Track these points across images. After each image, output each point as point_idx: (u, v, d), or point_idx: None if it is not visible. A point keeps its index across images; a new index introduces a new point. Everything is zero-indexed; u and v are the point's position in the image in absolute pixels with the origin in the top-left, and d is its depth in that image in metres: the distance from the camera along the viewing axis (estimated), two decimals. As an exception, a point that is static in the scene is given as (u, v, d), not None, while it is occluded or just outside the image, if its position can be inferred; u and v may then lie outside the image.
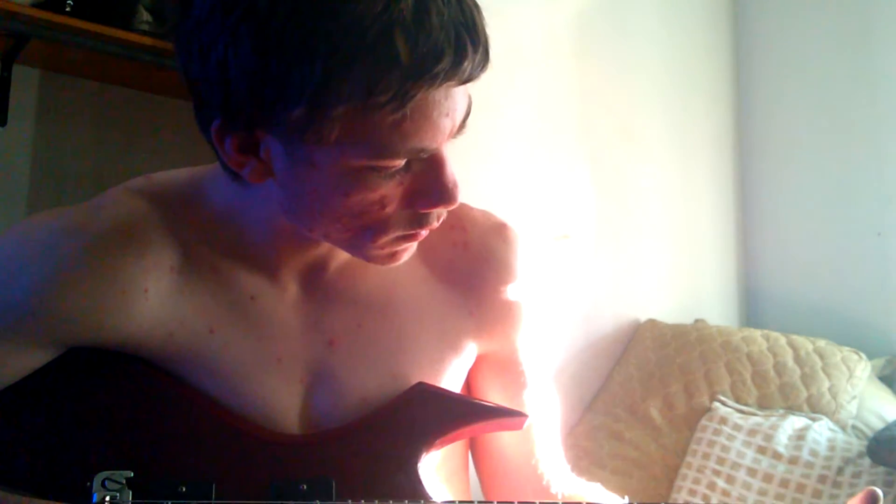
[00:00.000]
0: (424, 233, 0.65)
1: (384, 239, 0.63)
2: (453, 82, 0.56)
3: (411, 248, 0.67)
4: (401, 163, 0.59)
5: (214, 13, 0.56)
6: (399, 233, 0.63)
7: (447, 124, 0.59)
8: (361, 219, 0.61)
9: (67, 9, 1.57)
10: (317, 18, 0.53)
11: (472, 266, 0.76)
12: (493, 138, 1.87)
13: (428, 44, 0.54)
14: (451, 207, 0.63)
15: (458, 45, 0.55)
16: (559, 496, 0.81)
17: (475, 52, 0.56)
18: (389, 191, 0.60)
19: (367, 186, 0.59)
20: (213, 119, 0.60)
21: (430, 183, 0.61)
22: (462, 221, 0.76)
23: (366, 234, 0.63)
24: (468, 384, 0.81)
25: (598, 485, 0.85)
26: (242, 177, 0.63)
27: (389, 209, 0.61)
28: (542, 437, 0.82)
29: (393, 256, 0.66)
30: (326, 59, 0.53)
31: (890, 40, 2.26)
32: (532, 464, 0.81)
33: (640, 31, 2.32)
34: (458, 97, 0.59)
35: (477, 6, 0.58)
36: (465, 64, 0.56)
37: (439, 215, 0.64)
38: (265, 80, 0.55)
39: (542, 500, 0.81)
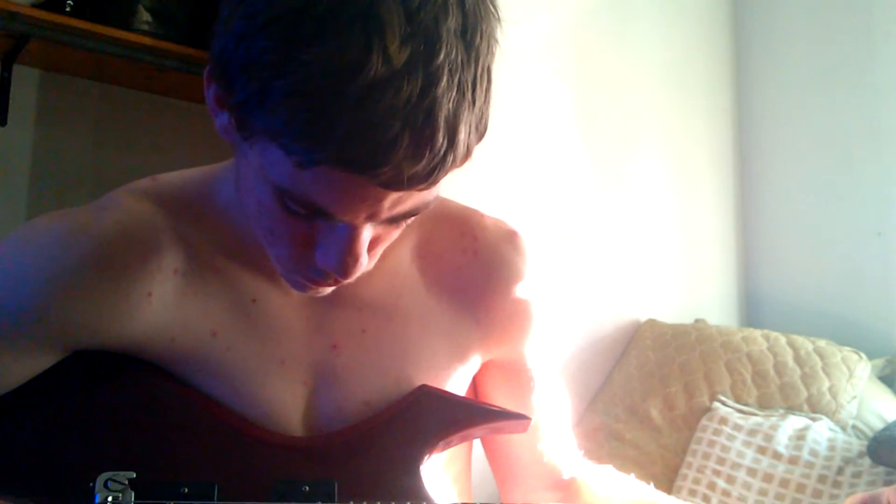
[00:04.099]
0: (328, 288, 0.62)
1: (293, 276, 0.61)
2: (372, 183, 0.50)
3: (326, 290, 0.64)
4: (302, 211, 0.55)
5: None
6: (301, 277, 0.61)
7: (363, 209, 0.53)
8: (274, 241, 0.60)
9: (67, 9, 1.57)
10: (288, 38, 0.49)
11: (481, 274, 0.76)
12: (492, 138, 1.86)
13: (368, 145, 0.48)
14: (343, 281, 0.59)
15: (393, 151, 0.48)
16: (573, 480, 0.82)
17: (430, 163, 0.50)
18: (295, 226, 0.57)
19: (276, 207, 0.56)
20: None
21: (329, 243, 0.56)
22: (472, 229, 0.75)
23: (279, 260, 0.61)
24: (474, 387, 0.81)
25: (610, 466, 0.85)
26: (217, 130, 0.60)
27: (293, 247, 0.59)
28: (550, 433, 0.82)
29: (306, 290, 0.63)
30: (268, 80, 0.50)
31: (890, 40, 2.26)
32: (543, 459, 0.82)
33: (640, 32, 2.32)
34: (391, 195, 0.52)
35: (486, 99, 0.53)
36: (387, 173, 0.49)
37: (336, 279, 0.60)
38: (230, 61, 0.53)
39: (553, 492, 0.82)
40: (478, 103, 0.52)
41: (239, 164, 0.62)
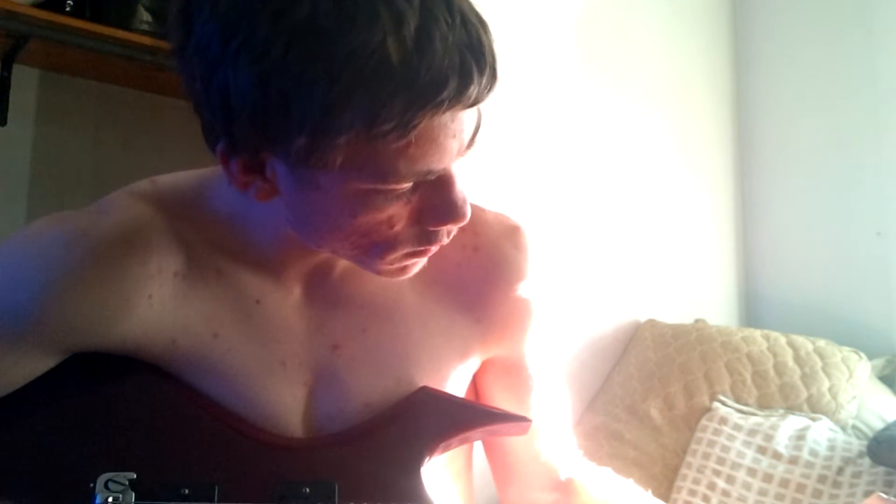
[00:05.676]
0: (434, 248, 0.64)
1: (393, 255, 0.63)
2: (459, 107, 0.55)
3: (421, 261, 0.66)
4: (408, 185, 0.58)
5: (214, 41, 0.55)
6: (408, 249, 0.63)
7: (454, 145, 0.58)
8: (370, 237, 0.61)
9: (67, 9, 1.57)
10: (316, 48, 0.52)
11: (482, 270, 0.75)
12: (492, 138, 1.86)
13: (431, 72, 0.52)
14: (461, 224, 0.62)
15: (463, 71, 0.54)
16: (570, 481, 0.82)
17: (481, 75, 0.55)
18: (397, 210, 0.59)
19: (374, 207, 0.59)
20: (218, 140, 0.59)
21: (438, 201, 0.60)
22: (473, 224, 0.73)
23: (374, 251, 0.62)
24: (475, 386, 0.81)
25: (608, 469, 0.85)
26: (253, 199, 0.62)
27: (398, 227, 0.61)
28: (549, 431, 0.82)
29: (403, 270, 0.66)
30: (327, 90, 0.52)
31: (890, 40, 2.26)
32: (540, 459, 0.82)
33: (640, 31, 2.32)
34: (465, 118, 0.57)
35: (483, 23, 0.57)
36: (471, 89, 0.54)
37: (449, 231, 0.63)
38: (267, 109, 0.54)
39: (549, 491, 0.82)
40: (475, 11, 0.58)
41: (293, 204, 0.62)
